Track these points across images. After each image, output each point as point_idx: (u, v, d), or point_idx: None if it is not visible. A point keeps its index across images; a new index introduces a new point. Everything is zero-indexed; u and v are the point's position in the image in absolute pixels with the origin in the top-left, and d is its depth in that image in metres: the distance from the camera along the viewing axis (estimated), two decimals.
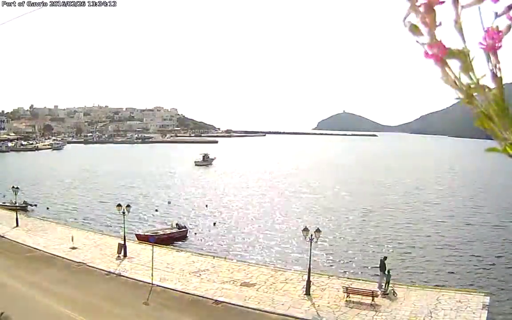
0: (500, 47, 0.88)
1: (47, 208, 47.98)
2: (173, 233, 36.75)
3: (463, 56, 0.88)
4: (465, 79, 0.89)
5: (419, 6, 0.89)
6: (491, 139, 0.94)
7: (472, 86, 0.89)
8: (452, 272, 29.82)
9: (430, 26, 0.90)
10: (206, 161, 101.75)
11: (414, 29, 0.91)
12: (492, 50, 0.88)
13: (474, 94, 0.89)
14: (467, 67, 0.88)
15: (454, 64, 0.90)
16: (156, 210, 48.40)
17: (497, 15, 0.89)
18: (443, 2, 0.89)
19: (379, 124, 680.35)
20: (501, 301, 24.56)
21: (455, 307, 21.03)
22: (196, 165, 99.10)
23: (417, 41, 0.92)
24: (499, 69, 0.90)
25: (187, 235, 37.87)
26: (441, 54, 0.90)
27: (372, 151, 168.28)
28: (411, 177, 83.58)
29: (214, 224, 42.52)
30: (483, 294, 22.77)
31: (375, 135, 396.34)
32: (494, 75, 0.90)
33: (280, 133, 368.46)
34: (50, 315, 19.79)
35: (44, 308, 20.39)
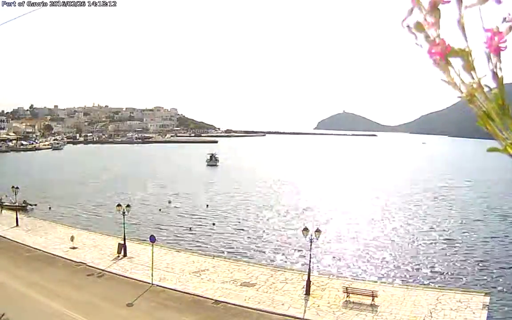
0: (505, 48, 0.89)
1: (49, 208, 47.98)
2: None
3: (465, 55, 0.88)
4: (467, 78, 0.90)
5: (424, 4, 0.90)
6: (491, 139, 0.94)
7: (473, 85, 0.89)
8: (452, 272, 29.82)
9: (435, 25, 0.90)
10: (213, 161, 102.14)
11: (418, 27, 0.91)
12: (497, 50, 0.89)
13: (476, 93, 0.90)
14: (469, 66, 0.89)
15: (456, 63, 0.90)
16: (160, 210, 48.42)
17: (504, 20, 0.90)
18: (449, 1, 0.89)
19: (379, 124, 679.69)
20: (501, 301, 24.57)
21: (455, 307, 21.05)
22: (208, 165, 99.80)
23: (416, 43, 0.92)
24: (500, 69, 0.91)
25: None
26: (445, 52, 0.90)
27: (372, 152, 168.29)
28: (410, 177, 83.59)
29: (214, 224, 42.54)
30: (483, 294, 22.78)
31: (375, 135, 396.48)
32: (495, 75, 0.90)
33: (280, 133, 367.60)
34: (50, 315, 19.79)
35: (44, 308, 20.40)
